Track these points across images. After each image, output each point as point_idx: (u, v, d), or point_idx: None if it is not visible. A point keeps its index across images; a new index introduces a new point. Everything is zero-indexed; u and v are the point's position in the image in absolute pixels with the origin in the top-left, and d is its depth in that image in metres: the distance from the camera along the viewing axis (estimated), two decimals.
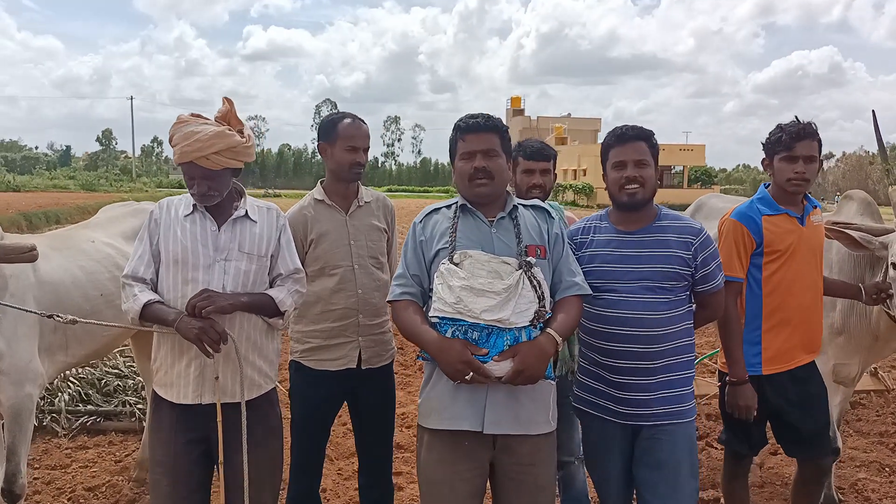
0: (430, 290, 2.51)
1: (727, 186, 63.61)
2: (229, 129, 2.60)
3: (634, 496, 2.92)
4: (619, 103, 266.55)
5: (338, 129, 3.19)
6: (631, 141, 2.77)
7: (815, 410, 3.20)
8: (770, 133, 3.15)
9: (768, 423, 3.30)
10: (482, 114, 2.63)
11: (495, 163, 2.56)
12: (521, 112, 72.85)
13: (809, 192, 3.22)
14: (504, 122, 2.67)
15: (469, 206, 2.60)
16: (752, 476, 4.58)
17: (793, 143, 3.05)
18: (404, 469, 4.60)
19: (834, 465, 4.15)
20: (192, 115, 2.65)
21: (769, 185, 3.22)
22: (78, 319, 2.92)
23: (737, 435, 3.28)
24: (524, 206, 2.67)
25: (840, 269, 3.70)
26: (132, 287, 2.63)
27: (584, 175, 50.57)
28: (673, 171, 57.33)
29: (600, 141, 2.96)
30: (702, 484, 4.47)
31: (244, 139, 2.62)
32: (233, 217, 2.69)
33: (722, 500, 3.57)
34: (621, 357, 2.73)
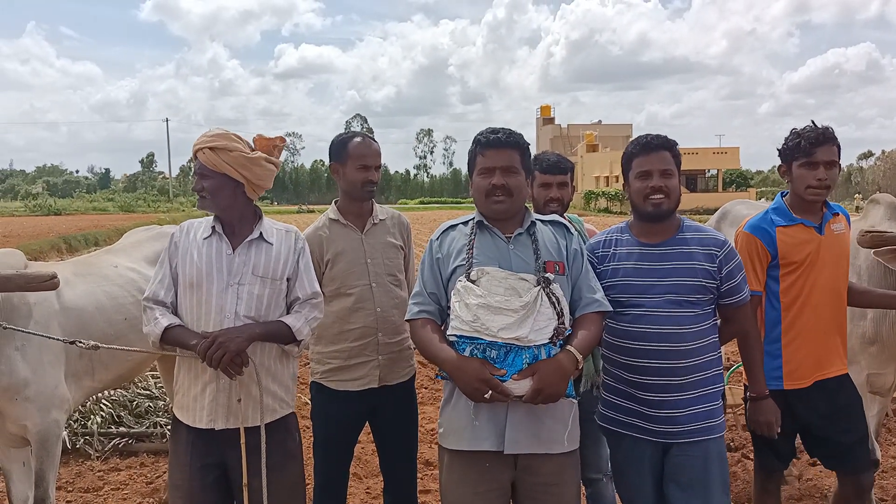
0: (449, 307, 2.48)
1: (764, 189, 62.61)
2: (249, 146, 2.63)
3: None
4: (652, 108, 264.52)
5: (348, 149, 3.19)
6: (656, 150, 2.72)
7: (847, 422, 3.09)
8: (786, 139, 3.06)
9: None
10: (503, 129, 2.58)
11: (514, 180, 2.52)
12: (551, 120, 72.72)
13: (829, 199, 3.11)
14: (528, 135, 2.63)
15: (486, 222, 2.56)
16: (790, 489, 4.46)
17: (812, 148, 2.95)
18: (433, 487, 4.56)
19: (874, 475, 4.02)
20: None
21: (786, 193, 3.13)
22: (100, 345, 2.94)
23: (764, 449, 3.18)
24: (542, 221, 2.63)
25: (869, 276, 3.58)
26: (153, 311, 2.65)
27: (617, 181, 50.29)
28: (707, 175, 56.69)
29: None
30: (738, 497, 4.36)
31: (253, 154, 2.61)
32: (247, 240, 2.69)
33: None
34: (648, 373, 2.67)
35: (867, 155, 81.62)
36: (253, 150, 2.66)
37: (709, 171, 56.14)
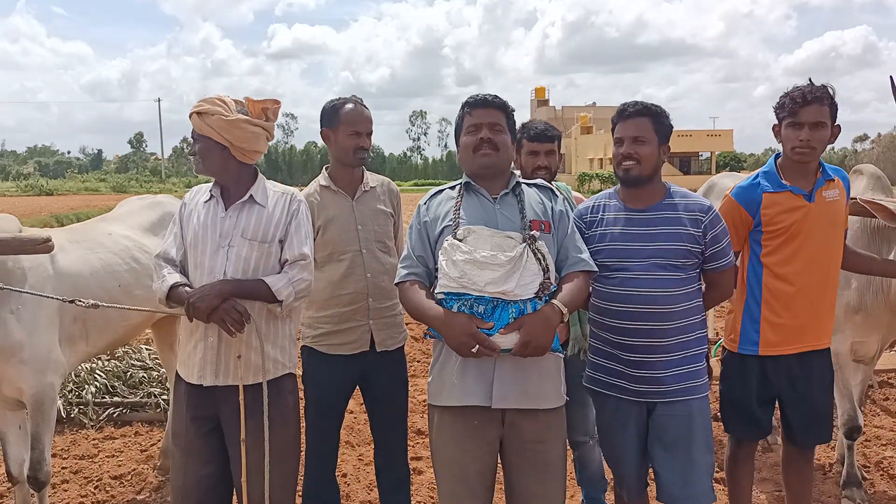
0: (436, 270, 2.52)
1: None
2: (231, 108, 2.66)
3: (651, 474, 2.91)
4: (647, 90, 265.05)
5: (340, 115, 3.22)
6: (631, 117, 2.77)
7: (814, 399, 3.08)
8: (779, 97, 3.01)
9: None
10: (490, 93, 2.68)
11: (500, 137, 2.60)
12: (545, 102, 72.32)
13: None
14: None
15: (473, 183, 2.62)
16: (774, 456, 4.53)
17: (797, 108, 2.91)
18: (424, 454, 4.64)
19: (857, 442, 4.10)
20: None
21: (780, 155, 3.08)
22: (100, 303, 2.99)
23: (736, 416, 3.17)
24: (527, 184, 2.69)
25: (854, 245, 3.61)
26: (162, 268, 2.71)
27: (611, 164, 50.10)
28: (701, 158, 56.70)
29: None
30: (723, 464, 4.42)
31: (232, 116, 2.64)
32: (238, 202, 2.73)
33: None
34: (634, 335, 2.72)
35: (862, 138, 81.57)
36: (244, 114, 2.68)
37: (702, 153, 56.17)
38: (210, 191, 2.78)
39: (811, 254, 2.97)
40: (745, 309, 3.06)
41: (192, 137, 2.72)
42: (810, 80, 2.98)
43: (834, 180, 3.04)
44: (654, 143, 2.75)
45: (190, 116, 2.68)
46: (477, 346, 2.32)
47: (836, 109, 2.96)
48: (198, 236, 2.70)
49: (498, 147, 2.58)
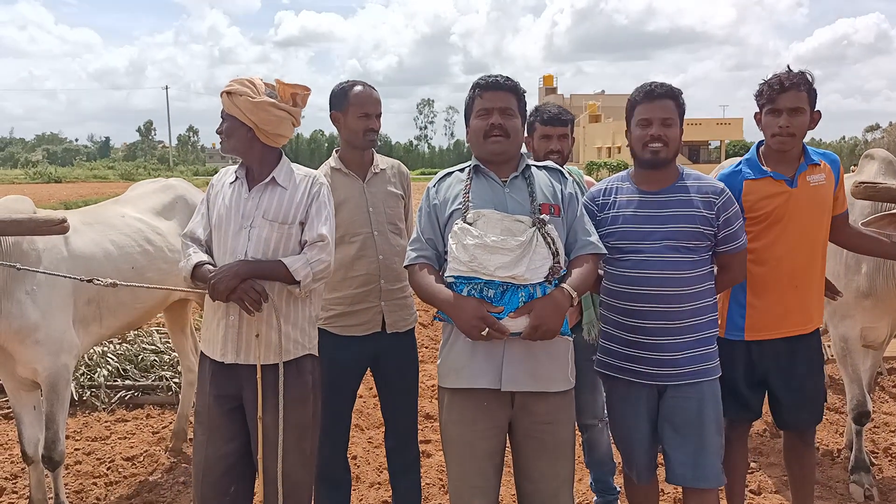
0: (446, 253, 2.52)
1: None
2: (259, 90, 2.67)
3: (660, 458, 2.92)
4: (657, 79, 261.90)
5: (349, 97, 3.23)
6: (659, 99, 2.75)
7: (801, 383, 3.07)
8: (759, 85, 3.03)
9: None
10: (501, 74, 2.65)
11: (511, 122, 2.58)
12: (553, 90, 72.24)
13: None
14: (530, 106, 2.68)
15: (482, 166, 2.61)
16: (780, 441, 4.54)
17: (775, 95, 2.93)
18: (433, 437, 4.67)
19: (865, 428, 4.11)
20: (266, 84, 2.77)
21: (763, 142, 3.09)
22: (119, 282, 3.03)
23: (728, 401, 3.09)
24: (537, 166, 2.68)
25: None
26: (188, 247, 2.75)
27: (619, 153, 50.02)
28: (711, 147, 56.43)
29: None
30: None
31: (258, 99, 2.64)
32: (261, 183, 2.74)
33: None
34: (646, 317, 2.72)
35: (874, 128, 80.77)
36: (272, 97, 2.70)
37: (711, 142, 55.90)
38: (235, 172, 2.81)
39: (795, 239, 2.97)
40: (732, 294, 3.05)
41: (222, 116, 2.75)
42: (788, 66, 2.99)
43: (819, 164, 3.03)
44: (677, 126, 2.76)
45: (220, 95, 2.71)
46: (487, 329, 2.33)
47: (815, 95, 2.97)
48: (222, 217, 2.74)
49: (509, 133, 2.57)
